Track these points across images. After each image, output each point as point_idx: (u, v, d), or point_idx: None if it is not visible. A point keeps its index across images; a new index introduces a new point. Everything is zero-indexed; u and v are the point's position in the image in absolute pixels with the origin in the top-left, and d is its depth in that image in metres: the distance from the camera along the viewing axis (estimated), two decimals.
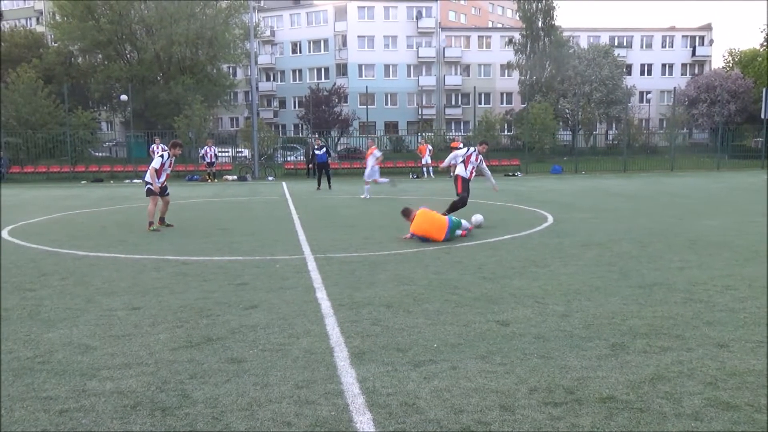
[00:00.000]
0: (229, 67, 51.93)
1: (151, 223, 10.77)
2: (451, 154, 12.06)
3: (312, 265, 7.41)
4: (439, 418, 3.23)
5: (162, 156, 11.07)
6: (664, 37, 66.99)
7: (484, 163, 11.85)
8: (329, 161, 22.79)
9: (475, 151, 11.46)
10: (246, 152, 37.45)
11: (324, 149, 22.27)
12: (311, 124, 44.82)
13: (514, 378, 3.75)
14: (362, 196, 17.26)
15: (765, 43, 50.62)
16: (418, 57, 64.50)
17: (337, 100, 51.71)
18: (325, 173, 21.90)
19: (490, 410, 3.31)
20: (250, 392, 3.58)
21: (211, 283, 6.50)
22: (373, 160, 17.85)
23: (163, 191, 11.14)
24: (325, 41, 64.98)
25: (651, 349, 4.25)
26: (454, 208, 11.25)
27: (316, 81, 59.54)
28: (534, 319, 5.00)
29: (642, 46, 66.30)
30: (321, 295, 5.89)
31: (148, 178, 10.94)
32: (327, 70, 64.49)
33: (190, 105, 34.74)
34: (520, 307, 5.37)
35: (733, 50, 60.90)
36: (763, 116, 38.09)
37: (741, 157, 39.73)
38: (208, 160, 29.18)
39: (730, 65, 58.40)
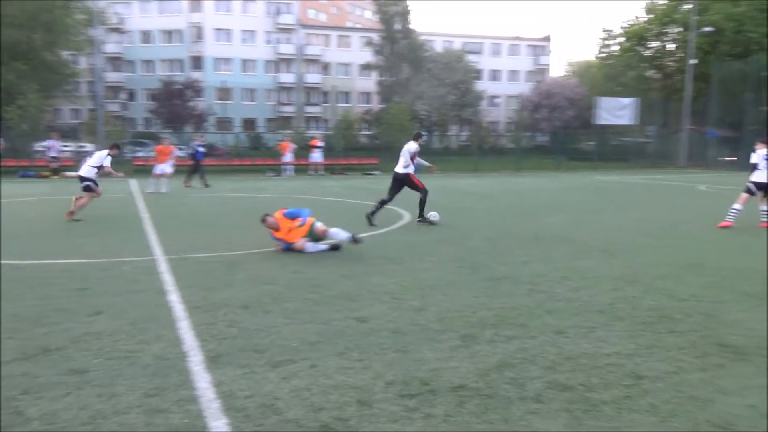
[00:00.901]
0: (70, 55, 48.02)
1: (72, 213, 11.26)
2: (407, 151, 11.52)
3: (164, 266, 7.07)
4: (298, 417, 3.21)
5: (105, 158, 11.90)
6: (510, 46, 71.60)
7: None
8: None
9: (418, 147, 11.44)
10: (90, 147, 34.88)
11: (203, 147, 22.29)
12: (164, 118, 42.71)
13: (372, 373, 3.82)
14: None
15: (599, 55, 55.72)
16: (277, 53, 63.73)
17: (191, 94, 49.68)
18: (200, 171, 21.70)
19: (348, 406, 3.34)
20: (94, 405, 3.34)
21: (51, 288, 5.98)
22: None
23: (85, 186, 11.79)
24: (179, 32, 62.20)
25: (498, 339, 4.52)
26: (423, 204, 11.22)
27: (168, 73, 56.78)
28: (391, 315, 5.12)
29: (491, 53, 70.39)
30: (174, 297, 5.63)
31: (90, 174, 11.75)
32: (181, 62, 61.79)
33: (24, 94, 31.70)
34: (377, 303, 5.48)
35: (572, 61, 66.44)
36: (594, 122, 41.97)
37: (577, 159, 43.43)
38: (53, 155, 26.87)
39: (569, 74, 63.66)
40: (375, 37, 53.09)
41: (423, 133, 12.01)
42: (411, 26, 51.22)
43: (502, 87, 69.43)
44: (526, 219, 12.16)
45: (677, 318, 5.07)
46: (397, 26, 50.62)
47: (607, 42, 54.17)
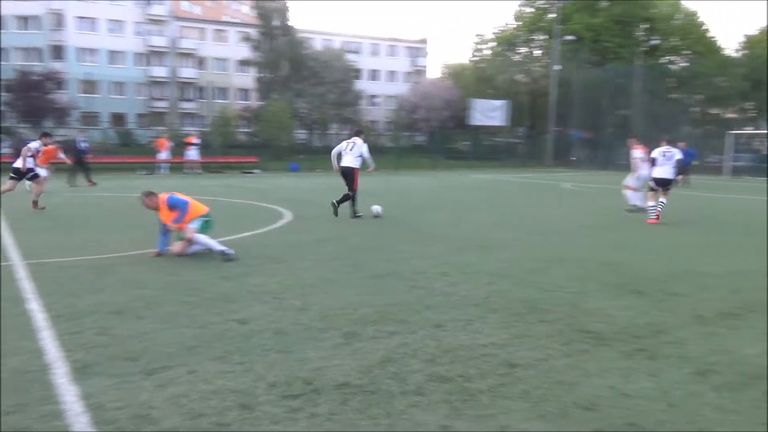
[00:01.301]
0: None
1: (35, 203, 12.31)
2: (362, 150, 12.08)
3: (22, 273, 6.51)
4: (176, 425, 3.07)
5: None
6: (389, 47, 72.87)
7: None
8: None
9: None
10: None
11: (86, 142, 21.44)
12: (20, 111, 39.33)
13: (253, 375, 3.74)
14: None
15: (472, 59, 58.03)
16: (147, 45, 60.69)
17: (51, 85, 46.04)
18: (85, 168, 20.33)
19: (230, 411, 3.25)
20: None
21: None
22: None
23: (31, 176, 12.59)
24: (36, 19, 57.52)
25: (380, 335, 4.58)
26: (348, 199, 11.60)
27: (25, 63, 52.32)
28: (272, 315, 5.04)
29: (370, 54, 71.26)
30: (34, 306, 5.20)
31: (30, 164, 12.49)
32: (39, 51, 57.16)
33: None
34: (258, 304, 5.37)
35: (447, 63, 68.81)
36: (469, 123, 43.71)
37: (453, 158, 45.04)
38: None
39: (444, 76, 65.84)
40: (253, 32, 52.01)
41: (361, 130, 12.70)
42: (290, 23, 50.68)
43: (381, 87, 70.52)
44: (407, 216, 12.43)
45: (546, 308, 5.39)
46: (276, 23, 49.88)
47: (479, 46, 56.62)
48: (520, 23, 53.95)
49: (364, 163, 12.25)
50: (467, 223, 11.42)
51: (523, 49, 55.06)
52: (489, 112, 45.68)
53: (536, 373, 3.85)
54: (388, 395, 3.49)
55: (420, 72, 73.69)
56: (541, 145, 47.85)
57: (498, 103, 46.47)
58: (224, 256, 7.30)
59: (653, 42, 49.07)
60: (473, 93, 52.34)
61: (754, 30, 49.83)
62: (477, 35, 56.93)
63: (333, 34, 68.47)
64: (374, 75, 71.00)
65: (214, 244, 7.46)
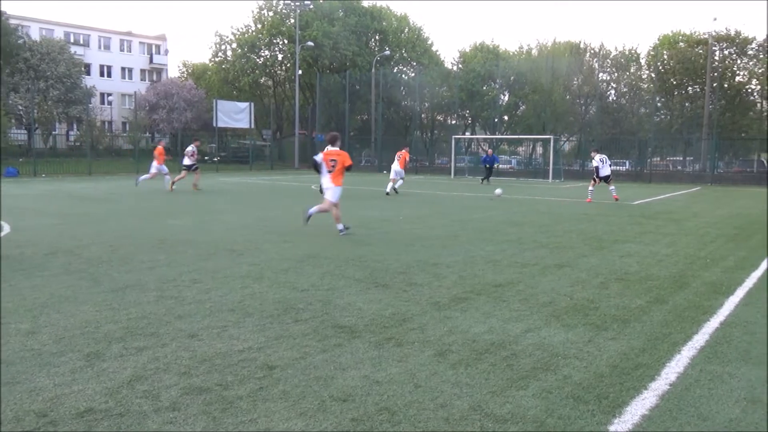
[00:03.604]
0: None
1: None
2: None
3: None
4: None
5: None
6: (122, 41, 67.70)
7: None
8: None
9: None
10: None
11: None
12: None
13: None
14: None
15: (213, 59, 56.64)
16: None
17: None
18: None
19: None
20: None
21: None
22: None
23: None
24: None
25: (128, 352, 4.24)
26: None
27: None
28: None
29: (100, 47, 65.50)
30: None
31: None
32: None
33: None
34: None
35: (187, 62, 66.24)
36: (215, 125, 42.66)
37: (200, 161, 43.47)
38: None
39: (185, 76, 63.30)
40: None
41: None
42: None
43: (115, 84, 65.31)
44: (151, 222, 11.70)
45: (300, 307, 5.50)
46: None
47: (221, 47, 55.54)
48: (260, 26, 54.16)
49: None
50: (217, 227, 11.14)
51: (266, 53, 55.41)
52: (234, 114, 45.08)
53: (294, 372, 3.91)
54: (139, 416, 3.25)
55: (159, 70, 69.84)
56: (288, 148, 48.76)
57: (243, 105, 46.12)
58: None
59: (386, 53, 53.07)
60: (218, 94, 51.25)
61: (467, 47, 56.65)
62: (217, 35, 55.46)
63: (54, 23, 61.46)
64: (107, 71, 65.44)
65: None
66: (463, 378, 3.88)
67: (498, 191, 19.79)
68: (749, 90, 42.86)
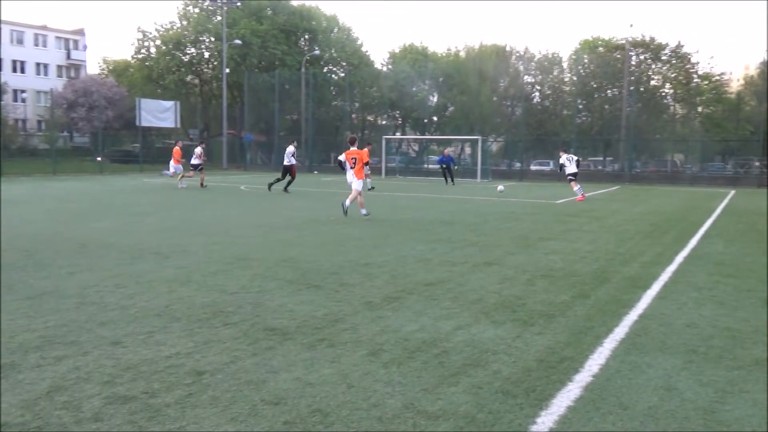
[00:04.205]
0: None
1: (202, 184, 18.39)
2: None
3: None
4: None
5: None
6: (36, 35, 64.46)
7: None
8: None
9: None
10: None
11: None
12: None
13: None
14: None
15: (135, 56, 54.78)
16: None
17: None
18: None
19: None
20: None
21: None
22: None
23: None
24: None
25: (45, 362, 4.04)
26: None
27: None
28: None
29: (12, 41, 62.14)
30: None
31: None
32: None
33: None
34: None
35: (107, 58, 63.71)
36: (138, 123, 41.22)
37: (121, 161, 42.00)
38: None
39: (105, 73, 60.89)
40: None
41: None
42: None
43: (29, 81, 62.10)
44: (69, 226, 11.19)
45: (229, 311, 5.39)
46: None
47: (144, 43, 53.78)
48: (185, 23, 52.77)
49: None
50: (141, 230, 10.77)
51: (192, 50, 54.03)
52: (159, 113, 43.64)
53: (224, 377, 3.82)
54: (59, 428, 3.10)
55: (78, 66, 66.89)
56: (216, 148, 47.70)
57: (168, 104, 44.72)
58: None
59: (315, 53, 52.77)
60: (141, 92, 49.54)
61: (397, 48, 57.09)
62: (140, 31, 53.60)
63: None
64: (19, 66, 62.13)
65: None
66: (395, 377, 3.90)
67: (500, 188, 21.90)
68: (663, 93, 45.16)
